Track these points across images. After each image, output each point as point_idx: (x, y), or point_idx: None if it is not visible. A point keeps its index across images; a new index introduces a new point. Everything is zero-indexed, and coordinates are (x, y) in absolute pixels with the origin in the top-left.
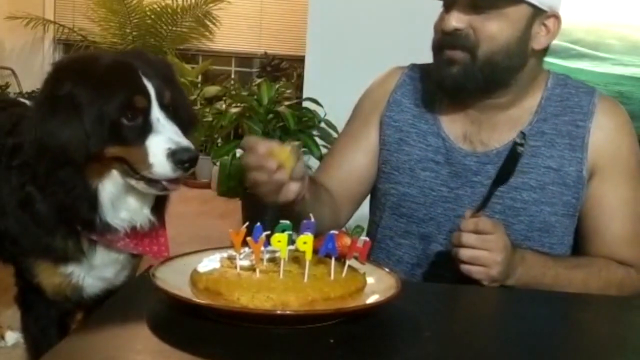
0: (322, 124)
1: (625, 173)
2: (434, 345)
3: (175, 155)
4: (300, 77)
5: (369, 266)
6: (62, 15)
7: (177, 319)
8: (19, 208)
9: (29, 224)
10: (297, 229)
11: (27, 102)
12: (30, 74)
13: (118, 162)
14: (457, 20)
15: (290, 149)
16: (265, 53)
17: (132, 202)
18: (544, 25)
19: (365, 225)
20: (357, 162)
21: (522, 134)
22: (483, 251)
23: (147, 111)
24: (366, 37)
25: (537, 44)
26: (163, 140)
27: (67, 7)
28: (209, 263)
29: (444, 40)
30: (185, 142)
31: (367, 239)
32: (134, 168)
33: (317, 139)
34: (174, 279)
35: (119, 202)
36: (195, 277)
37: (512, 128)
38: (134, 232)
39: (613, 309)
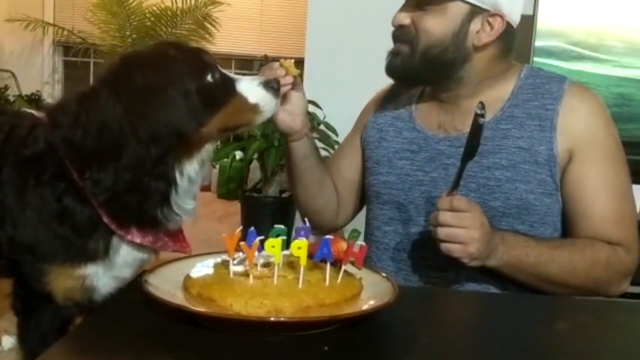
0: (322, 127)
1: (604, 154)
2: (432, 352)
3: (268, 85)
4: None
5: (365, 271)
6: (62, 17)
7: (169, 325)
8: (54, 221)
9: (62, 233)
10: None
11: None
12: (30, 76)
13: (216, 134)
14: (402, 17)
15: (293, 61)
16: (265, 55)
17: (195, 189)
18: (488, 23)
19: (360, 228)
20: (344, 167)
21: (481, 104)
22: (460, 229)
23: (216, 66)
24: (365, 40)
25: (477, 40)
26: (249, 80)
27: (66, 10)
28: (202, 268)
29: (394, 34)
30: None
31: (364, 243)
32: (240, 124)
33: (317, 141)
34: (166, 284)
35: (189, 190)
36: (187, 283)
37: None
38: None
39: (611, 313)
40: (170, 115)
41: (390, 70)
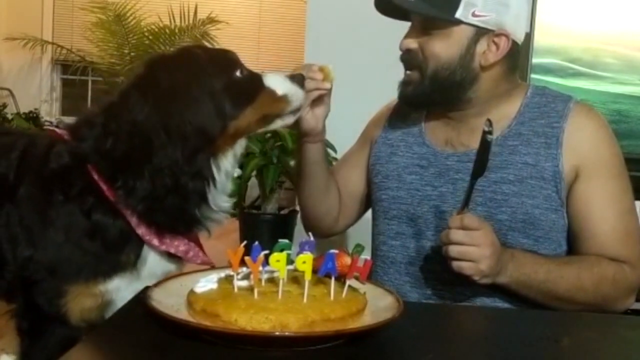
0: None
1: (610, 172)
2: None
3: (295, 79)
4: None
5: (370, 286)
6: (61, 36)
7: (173, 340)
8: (84, 238)
9: (93, 249)
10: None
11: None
12: (28, 94)
13: (251, 127)
14: (408, 42)
15: (331, 67)
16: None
17: (229, 185)
18: (494, 43)
19: (364, 243)
20: (349, 177)
21: (489, 121)
22: (471, 247)
23: (242, 64)
24: (363, 58)
25: (484, 60)
26: (275, 74)
27: (65, 28)
28: (206, 283)
29: (403, 59)
30: None
31: (368, 258)
32: (272, 115)
33: None
34: (170, 299)
35: (225, 185)
36: (192, 298)
37: None
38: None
39: (616, 329)
40: (197, 113)
41: (403, 98)
